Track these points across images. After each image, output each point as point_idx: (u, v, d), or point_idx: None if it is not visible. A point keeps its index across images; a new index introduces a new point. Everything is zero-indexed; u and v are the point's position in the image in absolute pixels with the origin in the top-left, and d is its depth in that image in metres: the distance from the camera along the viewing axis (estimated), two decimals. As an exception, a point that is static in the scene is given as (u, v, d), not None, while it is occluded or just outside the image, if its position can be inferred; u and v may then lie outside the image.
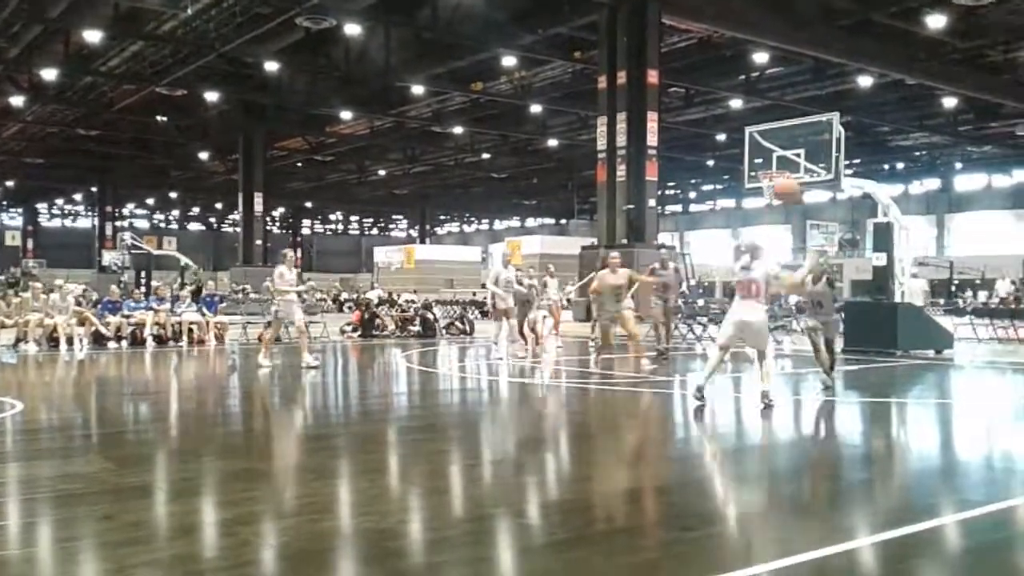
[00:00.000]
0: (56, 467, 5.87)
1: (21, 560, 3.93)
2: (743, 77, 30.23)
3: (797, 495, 5.44)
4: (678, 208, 65.10)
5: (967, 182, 51.33)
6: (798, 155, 14.22)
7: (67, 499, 4.96)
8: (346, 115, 36.43)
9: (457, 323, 20.72)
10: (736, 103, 32.11)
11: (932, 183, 52.32)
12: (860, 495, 5.43)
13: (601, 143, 23.25)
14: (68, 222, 72.21)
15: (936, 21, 22.93)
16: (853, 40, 25.05)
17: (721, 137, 37.47)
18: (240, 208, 40.68)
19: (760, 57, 27.61)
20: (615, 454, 6.89)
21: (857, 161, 39.11)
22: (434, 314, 20.51)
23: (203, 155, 45.42)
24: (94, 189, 55.30)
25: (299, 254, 70.43)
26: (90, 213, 65.22)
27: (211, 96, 32.86)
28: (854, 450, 7.09)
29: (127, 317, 16.45)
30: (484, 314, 21.73)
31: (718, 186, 57.99)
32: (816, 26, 23.90)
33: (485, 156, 46.26)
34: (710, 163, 45.11)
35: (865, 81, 28.94)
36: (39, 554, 4.10)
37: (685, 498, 5.22)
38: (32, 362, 13.85)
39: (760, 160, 14.80)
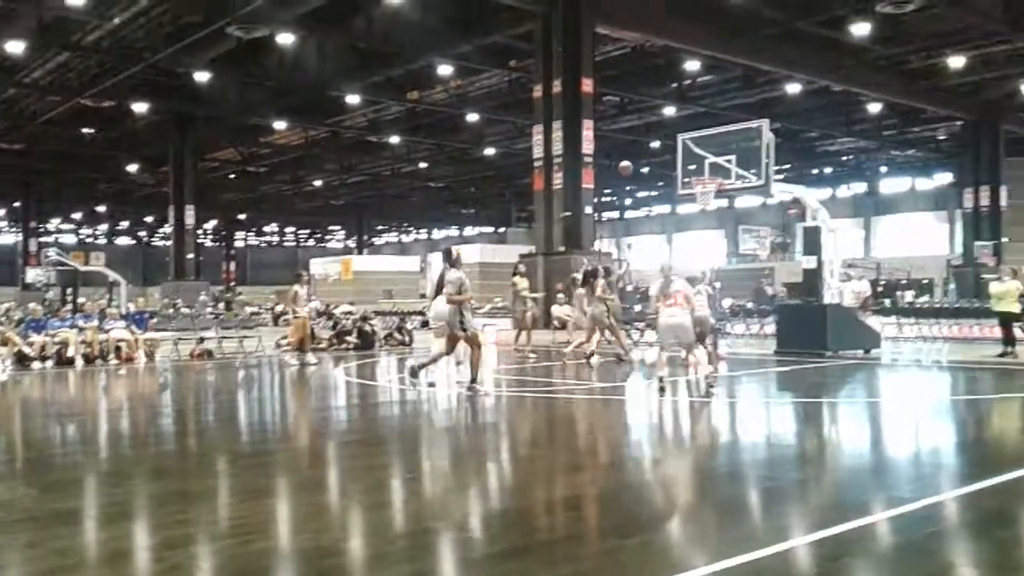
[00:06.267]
0: (-25, 495, 5.62)
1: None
2: (675, 85, 30.73)
3: (732, 497, 5.49)
4: (615, 215, 65.77)
5: (892, 185, 52.99)
6: (729, 161, 14.53)
7: (-13, 528, 4.75)
8: (280, 125, 36.03)
9: (396, 334, 20.54)
10: (669, 111, 32.62)
11: (859, 187, 53.92)
12: (794, 495, 5.53)
13: (537, 152, 23.35)
14: (-11, 239, 69.71)
15: (860, 29, 23.65)
16: (781, 48, 25.68)
17: (655, 144, 37.91)
18: (171, 221, 39.71)
19: (692, 65, 28.10)
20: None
21: (787, 166, 40.04)
22: (372, 326, 20.30)
23: (132, 167, 44.33)
24: (17, 204, 53.54)
25: (232, 267, 69.08)
26: (13, 229, 63.01)
27: (140, 107, 32.19)
28: (786, 450, 7.22)
29: (51, 336, 15.91)
30: (424, 324, 21.63)
31: (653, 193, 58.70)
32: (745, 35, 24.44)
33: (422, 165, 46.17)
34: (645, 170, 45.66)
35: (793, 88, 29.73)
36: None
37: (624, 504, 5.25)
38: (-49, 385, 13.27)
39: (693, 166, 15.07)
